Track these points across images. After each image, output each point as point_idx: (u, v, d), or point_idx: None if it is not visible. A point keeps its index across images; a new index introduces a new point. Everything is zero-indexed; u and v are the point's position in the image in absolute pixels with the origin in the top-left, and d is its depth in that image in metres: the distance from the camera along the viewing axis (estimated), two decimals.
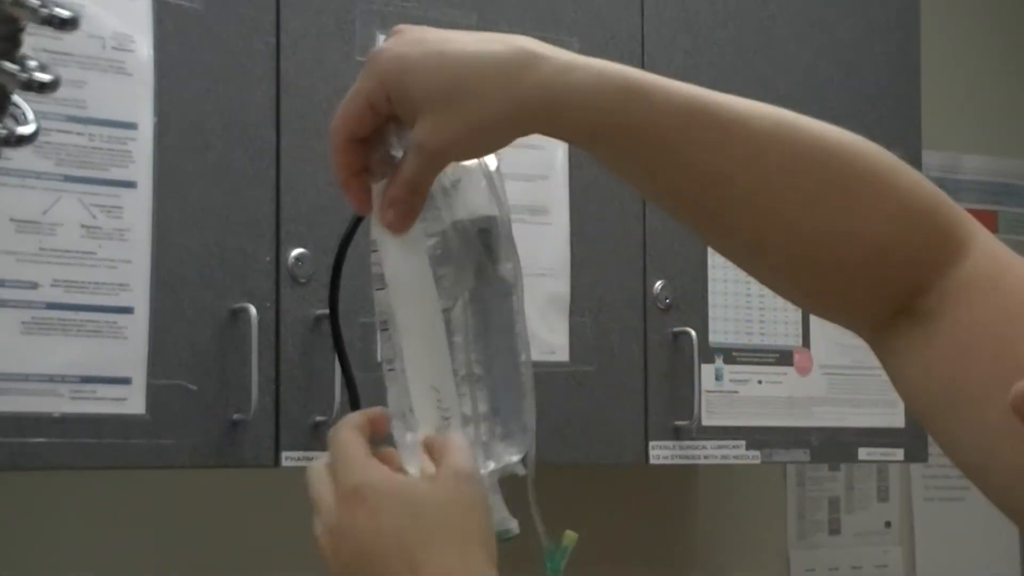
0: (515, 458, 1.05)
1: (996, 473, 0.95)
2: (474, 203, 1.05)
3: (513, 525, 1.08)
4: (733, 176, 0.99)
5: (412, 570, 0.97)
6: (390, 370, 1.06)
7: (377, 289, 1.04)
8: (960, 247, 1.00)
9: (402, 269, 1.02)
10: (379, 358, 1.07)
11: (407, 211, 1.02)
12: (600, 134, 0.99)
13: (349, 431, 1.02)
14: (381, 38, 1.97)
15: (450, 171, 1.10)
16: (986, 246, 1.01)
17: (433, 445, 1.02)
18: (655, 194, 1.05)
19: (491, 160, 1.21)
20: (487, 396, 1.01)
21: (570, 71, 0.97)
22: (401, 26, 1.01)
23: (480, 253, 1.04)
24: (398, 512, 0.98)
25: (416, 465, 1.00)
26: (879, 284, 1.00)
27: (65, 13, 0.81)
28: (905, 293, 1.00)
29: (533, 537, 1.13)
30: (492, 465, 1.05)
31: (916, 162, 2.52)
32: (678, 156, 0.99)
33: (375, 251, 1.04)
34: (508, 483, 1.08)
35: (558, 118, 0.98)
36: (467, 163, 1.10)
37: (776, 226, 1.00)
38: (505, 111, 0.97)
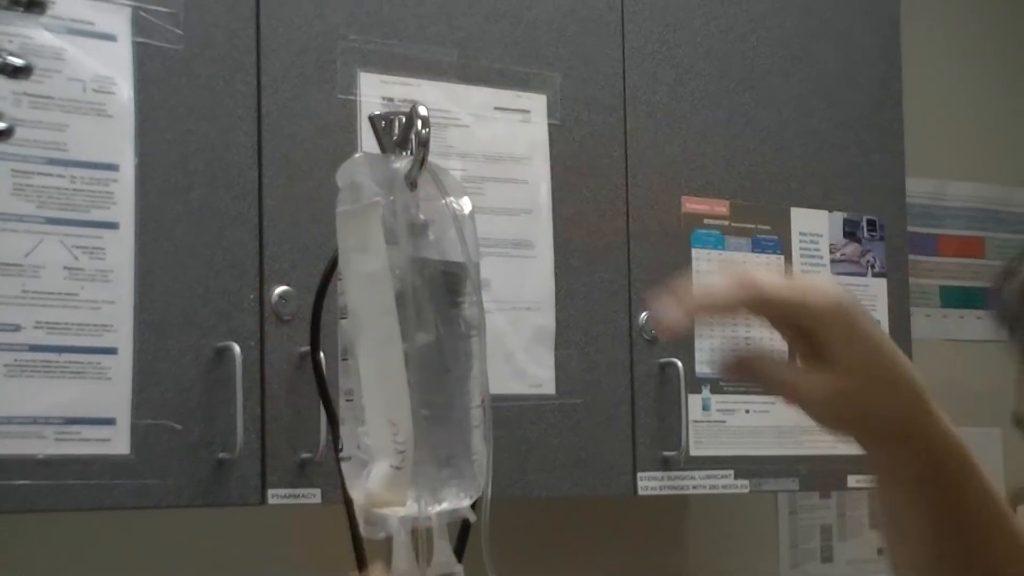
0: (466, 502, 1.05)
1: None
2: (443, 246, 1.06)
3: (458, 570, 1.08)
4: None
5: None
6: (348, 400, 1.06)
7: (341, 318, 1.05)
8: None
9: (365, 300, 1.03)
10: (340, 388, 1.08)
11: (691, 318, 1.01)
12: (932, 479, 1.05)
13: None
14: (362, 76, 1.98)
15: (423, 210, 1.10)
16: None
17: None
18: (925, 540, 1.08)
19: (466, 204, 1.22)
20: (443, 438, 1.02)
21: (943, 414, 1.04)
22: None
23: (443, 295, 1.05)
24: None
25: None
26: None
27: (18, 62, 0.81)
28: None
29: None
30: (440, 507, 1.05)
31: (900, 191, 2.53)
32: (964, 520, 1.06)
33: (340, 280, 1.05)
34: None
35: (923, 445, 1.03)
36: (438, 204, 1.10)
37: None
38: (902, 414, 1.02)
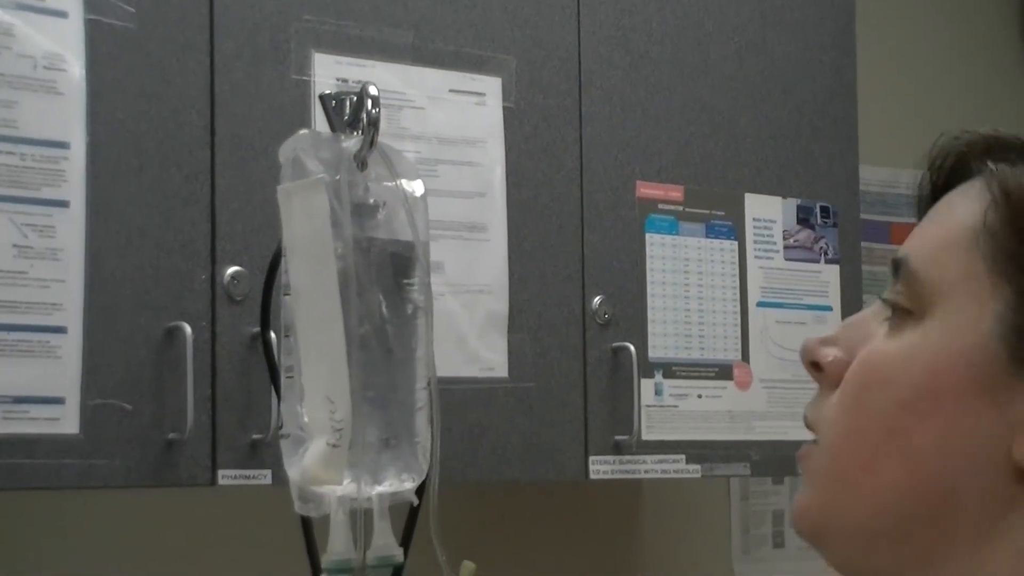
0: (408, 486, 1.04)
1: None
2: (392, 227, 1.05)
3: (397, 552, 1.08)
4: None
5: None
6: (288, 377, 1.06)
7: (284, 295, 1.05)
8: None
9: (307, 276, 1.02)
10: (282, 365, 1.07)
11: None
12: None
13: None
14: (316, 57, 1.97)
15: (373, 191, 1.10)
16: None
17: None
18: None
19: (418, 186, 1.21)
20: (384, 420, 1.01)
21: None
22: None
23: (390, 276, 1.04)
24: None
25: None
26: None
27: None
28: None
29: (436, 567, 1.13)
30: (380, 488, 1.04)
31: (854, 178, 2.54)
32: None
33: (284, 256, 1.05)
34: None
35: None
36: (389, 185, 1.10)
37: None
38: None
